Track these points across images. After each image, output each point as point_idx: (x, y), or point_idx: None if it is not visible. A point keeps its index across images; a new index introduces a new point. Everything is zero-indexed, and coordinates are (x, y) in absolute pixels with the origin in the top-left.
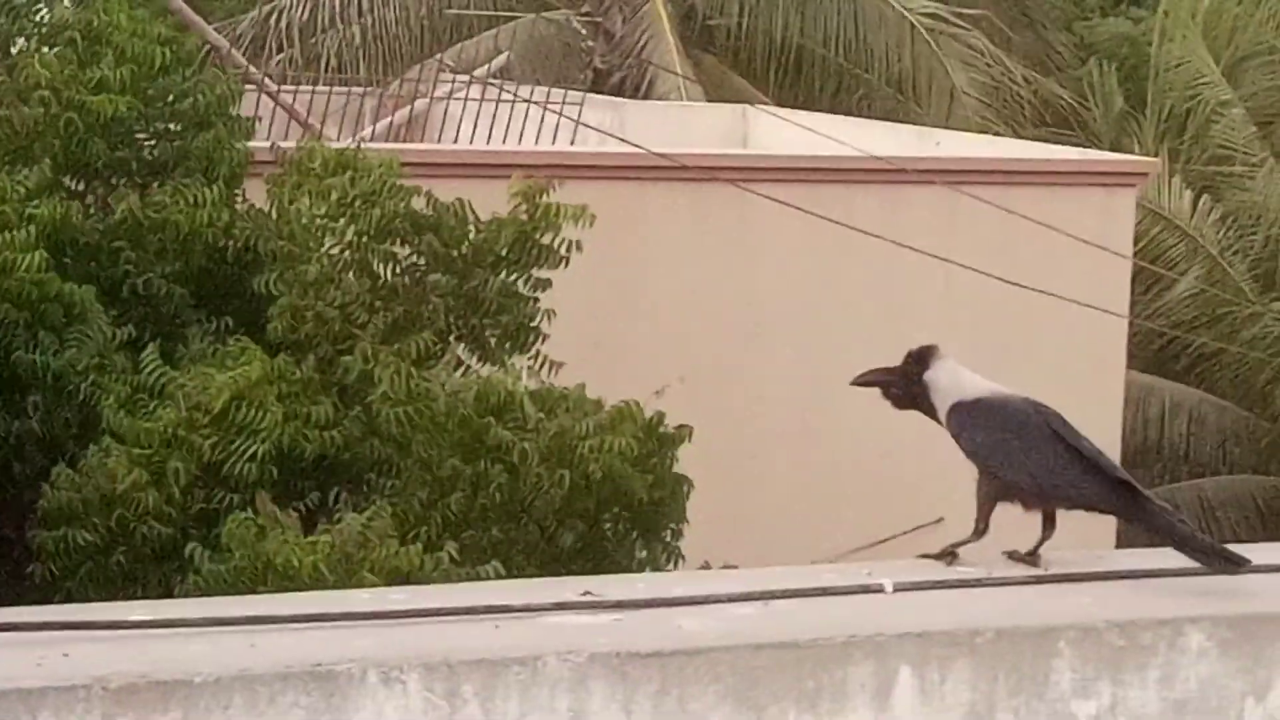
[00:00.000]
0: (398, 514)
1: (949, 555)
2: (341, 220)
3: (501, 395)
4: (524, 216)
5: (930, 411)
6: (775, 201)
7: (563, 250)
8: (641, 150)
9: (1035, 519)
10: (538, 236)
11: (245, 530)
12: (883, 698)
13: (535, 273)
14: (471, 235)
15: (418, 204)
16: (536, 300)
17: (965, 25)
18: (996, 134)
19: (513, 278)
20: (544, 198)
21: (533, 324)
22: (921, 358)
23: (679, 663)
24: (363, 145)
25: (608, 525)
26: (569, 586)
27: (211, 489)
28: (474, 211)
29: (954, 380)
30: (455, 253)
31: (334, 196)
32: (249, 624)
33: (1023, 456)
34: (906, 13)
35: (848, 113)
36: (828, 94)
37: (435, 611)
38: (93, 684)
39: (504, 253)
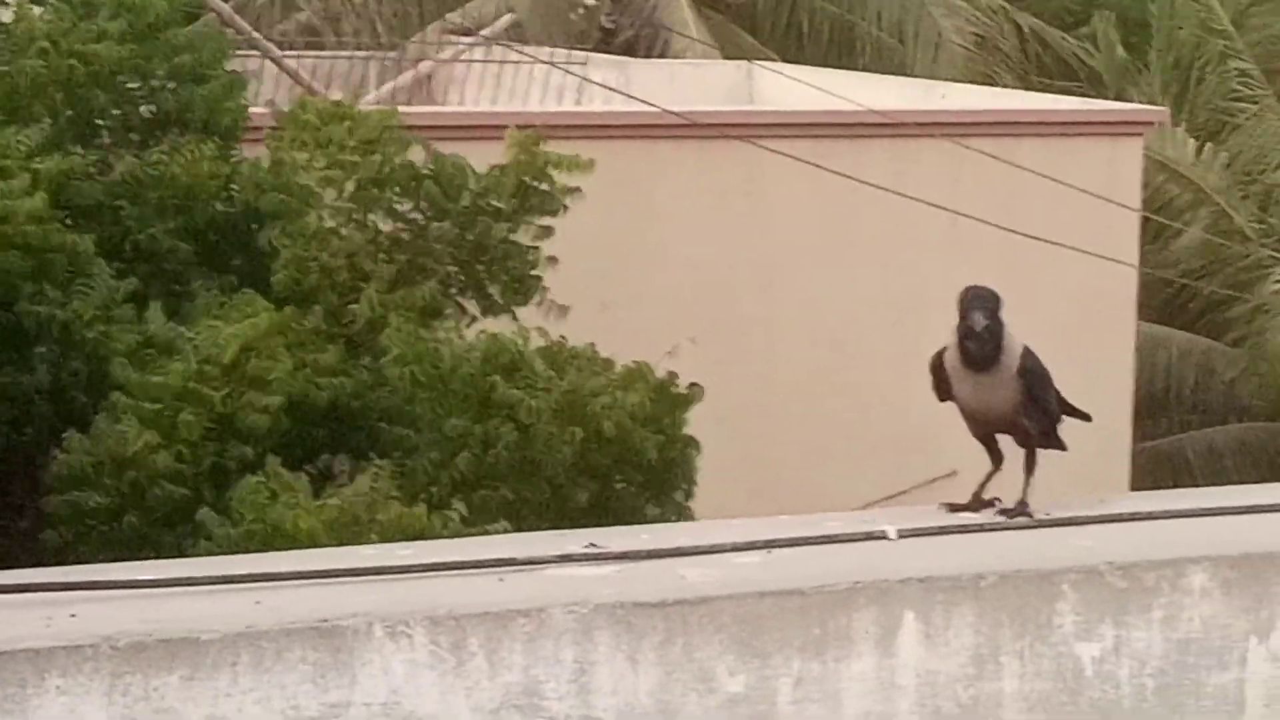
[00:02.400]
0: (407, 473)
1: (1022, 506)
2: (341, 171)
3: (511, 354)
4: (522, 163)
5: (991, 352)
6: (785, 156)
7: (564, 199)
8: (650, 107)
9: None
10: (536, 184)
11: (256, 495)
12: (887, 643)
13: (536, 222)
14: (471, 184)
15: (416, 156)
16: (537, 249)
17: None
18: (1000, 85)
19: (513, 227)
20: (540, 147)
21: (534, 273)
22: (998, 296)
23: (683, 612)
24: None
25: (619, 484)
26: (573, 539)
27: (224, 443)
28: (471, 167)
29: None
30: (455, 204)
31: (332, 147)
32: (254, 581)
33: (1052, 399)
34: None
35: (853, 67)
36: (833, 49)
37: (440, 566)
38: (100, 643)
39: (503, 203)
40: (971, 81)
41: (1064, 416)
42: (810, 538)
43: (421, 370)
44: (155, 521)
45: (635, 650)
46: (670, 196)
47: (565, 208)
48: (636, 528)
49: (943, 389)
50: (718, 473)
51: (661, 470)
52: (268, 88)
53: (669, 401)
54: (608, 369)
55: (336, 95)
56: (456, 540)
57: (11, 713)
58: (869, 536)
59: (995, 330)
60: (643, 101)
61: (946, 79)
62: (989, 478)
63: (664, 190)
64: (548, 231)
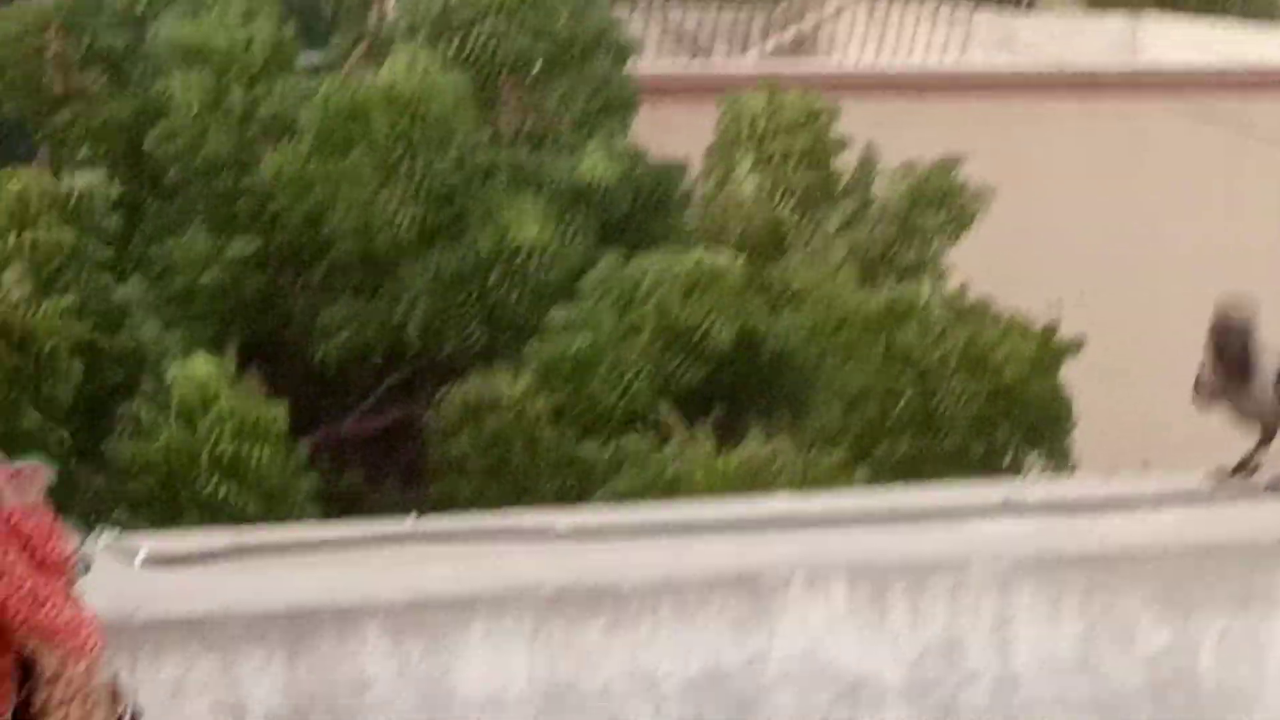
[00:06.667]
0: (806, 429)
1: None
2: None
3: (912, 300)
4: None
5: (1247, 360)
6: (1169, 111)
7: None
8: (1037, 63)
9: None
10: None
11: (649, 448)
12: None
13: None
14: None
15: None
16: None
17: None
18: None
19: (929, 233)
20: (953, 176)
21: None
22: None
23: (1105, 567)
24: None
25: (1006, 434)
26: (990, 492)
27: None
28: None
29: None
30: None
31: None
32: (673, 531)
33: None
34: None
35: (1226, 11)
36: None
37: (859, 517)
38: (524, 592)
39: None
40: None
41: None
42: (1231, 493)
43: (825, 314)
44: (535, 472)
45: (1056, 604)
46: (1053, 152)
47: (963, 233)
48: (1053, 481)
49: (1205, 402)
50: (1099, 427)
51: (1048, 420)
52: (650, 44)
53: (1052, 352)
54: (998, 322)
55: (720, 50)
56: (873, 490)
57: (438, 656)
58: None
59: (1250, 338)
60: (1042, 54)
61: None
62: (1257, 450)
63: (1047, 146)
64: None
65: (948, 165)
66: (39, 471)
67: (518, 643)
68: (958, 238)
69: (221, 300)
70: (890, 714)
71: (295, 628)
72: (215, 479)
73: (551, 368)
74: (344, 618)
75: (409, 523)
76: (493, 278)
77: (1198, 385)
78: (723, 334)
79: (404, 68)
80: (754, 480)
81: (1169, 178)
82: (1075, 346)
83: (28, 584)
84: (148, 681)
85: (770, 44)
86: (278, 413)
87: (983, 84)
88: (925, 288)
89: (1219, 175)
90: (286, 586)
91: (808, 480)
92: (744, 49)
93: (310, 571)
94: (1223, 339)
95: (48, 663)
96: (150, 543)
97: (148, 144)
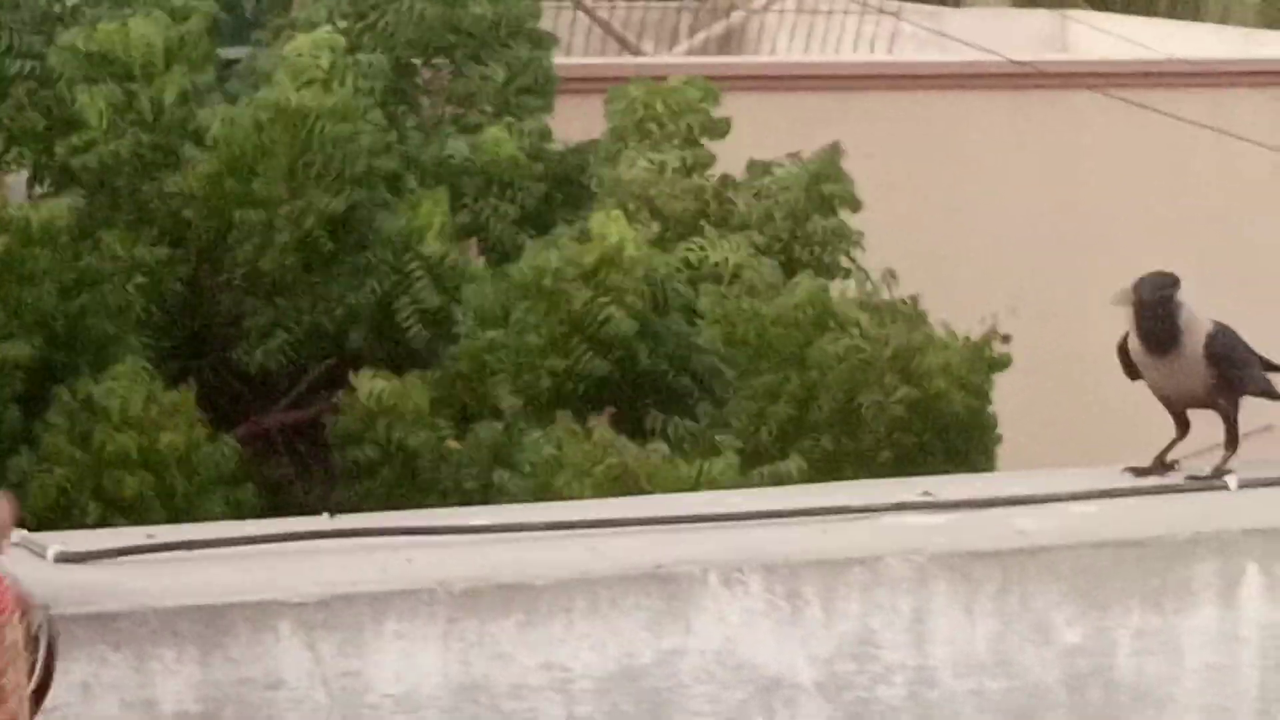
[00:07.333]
0: (716, 425)
1: (1222, 474)
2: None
3: (827, 303)
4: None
5: (1169, 331)
6: (1107, 106)
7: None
8: (968, 55)
9: None
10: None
11: (542, 451)
12: (1229, 595)
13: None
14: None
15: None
16: (861, 234)
17: None
18: None
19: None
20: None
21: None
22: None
23: (1020, 561)
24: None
25: (929, 441)
26: (907, 487)
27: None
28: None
29: (1191, 304)
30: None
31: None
32: (588, 527)
33: (1252, 373)
34: None
35: (1154, 11)
36: None
37: (774, 513)
38: (436, 588)
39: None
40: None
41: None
42: (1148, 488)
43: (734, 331)
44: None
45: (972, 600)
46: (983, 147)
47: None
48: (970, 476)
49: (1131, 372)
50: (1025, 423)
51: (973, 433)
52: (578, 40)
53: (983, 365)
54: (923, 323)
55: (647, 46)
56: (789, 488)
57: (350, 655)
58: (1208, 487)
59: (1169, 309)
60: (975, 47)
61: (1239, 24)
62: (1173, 444)
63: (977, 141)
64: (856, 237)
65: (832, 152)
66: None
67: (430, 640)
68: (844, 234)
69: (141, 302)
70: (806, 711)
71: (208, 625)
72: (121, 477)
73: (453, 367)
74: (257, 615)
75: (323, 520)
76: (398, 280)
77: (1121, 355)
78: (624, 323)
79: (301, 70)
80: (634, 484)
81: (1103, 168)
82: (1003, 363)
83: None
84: (58, 680)
85: (699, 39)
86: (187, 400)
87: (912, 78)
88: (845, 287)
89: (1154, 165)
90: (199, 583)
91: (720, 476)
92: (672, 45)
93: (223, 568)
94: (1147, 309)
95: None
96: (62, 539)
97: (59, 154)
